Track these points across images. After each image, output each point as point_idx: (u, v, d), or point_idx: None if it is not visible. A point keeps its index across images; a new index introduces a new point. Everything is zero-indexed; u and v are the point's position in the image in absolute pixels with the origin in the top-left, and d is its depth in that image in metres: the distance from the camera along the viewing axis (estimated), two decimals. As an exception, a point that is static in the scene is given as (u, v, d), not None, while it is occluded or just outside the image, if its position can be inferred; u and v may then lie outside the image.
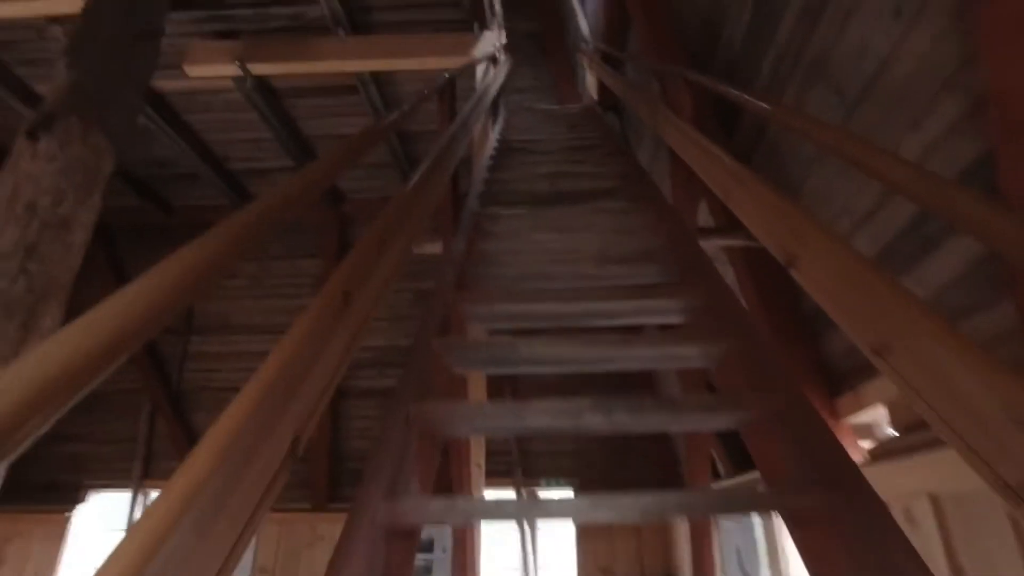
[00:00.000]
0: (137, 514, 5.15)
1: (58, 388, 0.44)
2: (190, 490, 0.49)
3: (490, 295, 1.61)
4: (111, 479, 5.28)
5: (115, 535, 5.15)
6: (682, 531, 3.93)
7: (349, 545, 0.78)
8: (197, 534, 0.49)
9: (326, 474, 5.02)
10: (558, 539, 4.97)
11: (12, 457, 0.48)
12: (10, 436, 0.41)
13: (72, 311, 1.89)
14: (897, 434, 1.90)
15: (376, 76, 3.84)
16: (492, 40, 3.91)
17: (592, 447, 5.12)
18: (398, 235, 1.31)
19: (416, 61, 3.48)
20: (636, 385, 5.10)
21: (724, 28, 2.56)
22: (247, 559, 4.72)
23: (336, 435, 5.16)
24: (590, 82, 5.51)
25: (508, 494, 5.01)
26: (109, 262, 5.17)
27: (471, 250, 1.95)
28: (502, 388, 5.06)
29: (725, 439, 3.52)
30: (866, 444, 2.02)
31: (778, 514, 0.86)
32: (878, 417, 1.98)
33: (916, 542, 1.44)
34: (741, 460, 3.44)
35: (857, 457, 1.92)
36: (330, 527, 4.83)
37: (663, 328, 2.72)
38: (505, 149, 3.74)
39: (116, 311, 0.52)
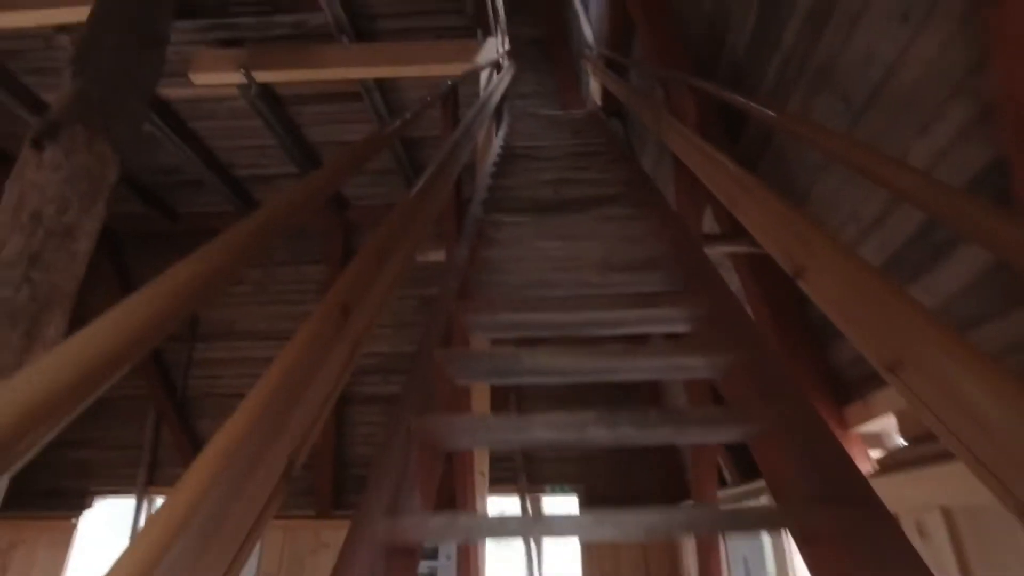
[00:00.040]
0: (142, 520, 5.15)
1: (61, 400, 0.44)
2: (183, 515, 0.48)
3: (493, 304, 1.59)
4: (116, 485, 5.28)
5: (120, 541, 5.15)
6: (689, 541, 3.89)
7: (349, 563, 0.76)
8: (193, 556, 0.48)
9: (330, 481, 5.01)
10: (564, 547, 4.94)
11: (16, 468, 0.48)
12: (12, 448, 0.41)
13: (77, 317, 1.89)
14: (907, 444, 1.87)
15: (380, 83, 3.85)
16: (495, 46, 3.91)
17: (598, 454, 5.08)
18: (401, 243, 1.30)
19: (420, 68, 3.49)
20: (643, 392, 5.07)
21: (728, 34, 2.55)
22: (251, 564, 4.71)
23: (340, 441, 5.15)
24: (594, 88, 5.51)
25: (512, 501, 4.98)
26: (115, 268, 5.19)
27: (474, 258, 1.94)
28: (507, 396, 5.04)
29: (732, 447, 3.49)
30: (875, 454, 1.99)
31: (788, 532, 0.84)
32: (888, 427, 1.96)
33: (928, 555, 1.41)
34: (748, 468, 3.40)
35: (866, 467, 1.89)
36: (334, 534, 4.82)
37: (669, 337, 2.70)
38: (509, 155, 3.73)
39: (122, 319, 0.52)
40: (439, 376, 1.27)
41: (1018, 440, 0.62)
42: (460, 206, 2.47)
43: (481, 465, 2.47)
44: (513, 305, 1.56)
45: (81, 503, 5.21)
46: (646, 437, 1.02)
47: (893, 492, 1.63)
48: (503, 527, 0.79)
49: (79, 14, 2.46)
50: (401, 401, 1.16)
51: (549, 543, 4.92)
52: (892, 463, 1.77)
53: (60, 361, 0.46)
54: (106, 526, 5.37)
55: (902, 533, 0.83)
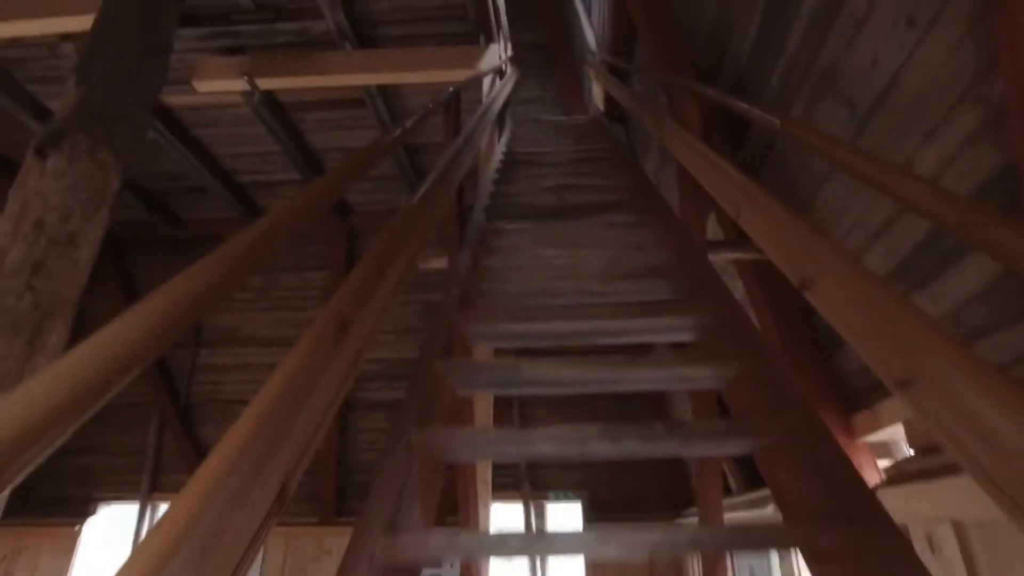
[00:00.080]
0: (146, 527, 5.14)
1: (61, 414, 0.44)
2: (176, 538, 0.47)
3: (495, 313, 1.58)
4: (120, 492, 5.28)
5: (124, 548, 5.14)
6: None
7: (347, 582, 0.75)
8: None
9: (333, 487, 4.99)
10: (569, 558, 4.90)
11: (15, 483, 0.47)
12: (11, 463, 0.41)
13: (81, 322, 1.89)
14: (915, 453, 1.84)
15: (383, 89, 3.85)
16: (498, 52, 3.91)
17: (602, 461, 5.05)
18: (402, 251, 1.29)
19: (422, 74, 3.49)
20: (647, 399, 5.04)
21: (732, 39, 2.54)
22: (253, 572, 4.69)
23: (343, 447, 5.14)
24: (596, 93, 5.50)
25: (516, 508, 4.95)
26: (118, 274, 5.21)
27: (476, 266, 1.93)
28: (510, 405, 5.02)
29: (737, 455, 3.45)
30: (883, 463, 1.96)
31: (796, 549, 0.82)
32: (896, 436, 1.93)
33: (939, 570, 1.38)
34: (753, 476, 3.37)
35: (875, 478, 1.86)
36: (337, 540, 4.80)
37: (674, 346, 2.68)
38: (511, 161, 3.73)
39: (125, 331, 0.52)
40: (440, 386, 1.25)
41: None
42: (462, 213, 2.46)
43: (484, 474, 2.45)
44: (515, 314, 1.55)
45: (84, 510, 5.20)
46: (650, 450, 1.01)
47: (902, 504, 1.60)
48: (505, 545, 0.77)
49: (84, 23, 2.47)
50: (402, 412, 1.14)
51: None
52: (901, 474, 1.75)
53: (60, 375, 0.46)
54: (109, 533, 5.37)
55: (912, 550, 0.81)
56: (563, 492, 5.04)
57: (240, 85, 3.40)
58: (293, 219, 0.90)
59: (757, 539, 0.94)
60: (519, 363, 1.21)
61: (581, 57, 6.17)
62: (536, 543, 0.84)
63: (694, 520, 4.06)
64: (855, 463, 1.04)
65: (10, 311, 1.93)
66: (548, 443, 0.98)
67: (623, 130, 4.90)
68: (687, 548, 0.78)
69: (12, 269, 1.97)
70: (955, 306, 1.51)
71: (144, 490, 5.17)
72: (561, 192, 2.92)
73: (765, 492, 2.98)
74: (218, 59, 3.47)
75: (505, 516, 4.94)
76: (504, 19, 4.39)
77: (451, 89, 2.60)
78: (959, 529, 1.41)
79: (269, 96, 3.73)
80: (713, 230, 2.54)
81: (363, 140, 4.21)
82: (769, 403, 1.12)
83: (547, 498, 5.04)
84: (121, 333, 0.51)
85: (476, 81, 3.43)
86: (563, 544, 0.78)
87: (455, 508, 2.31)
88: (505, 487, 4.81)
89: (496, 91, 3.74)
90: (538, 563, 4.76)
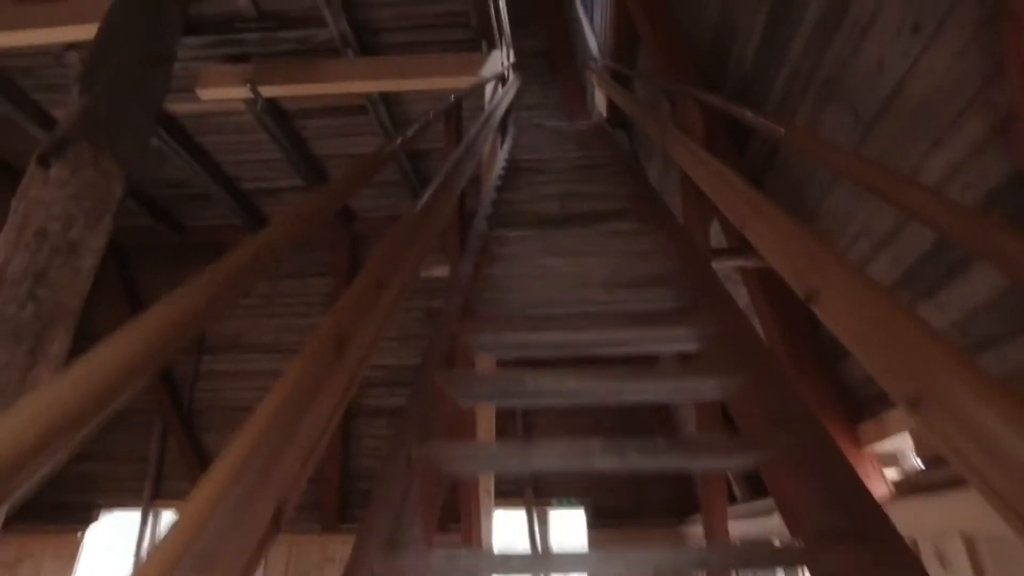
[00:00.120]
0: (148, 534, 5.13)
1: (62, 428, 0.44)
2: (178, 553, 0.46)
3: (497, 323, 1.57)
4: (122, 498, 5.27)
5: (126, 555, 5.13)
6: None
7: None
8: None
9: (336, 494, 4.98)
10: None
11: (15, 496, 0.47)
12: (12, 478, 0.41)
13: (84, 329, 1.88)
14: (923, 464, 1.82)
15: (385, 96, 3.86)
16: (500, 59, 3.92)
17: (604, 470, 5.01)
18: (404, 259, 1.28)
19: (425, 81, 3.50)
20: (651, 410, 5.01)
21: (735, 45, 2.53)
22: (256, 581, 4.66)
23: (346, 454, 5.12)
24: (599, 99, 5.50)
25: (519, 515, 4.92)
26: (122, 281, 5.23)
27: (478, 274, 1.92)
28: (513, 414, 4.99)
29: (742, 462, 3.42)
30: (891, 474, 1.94)
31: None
32: (903, 445, 1.90)
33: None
34: (758, 484, 3.34)
35: (882, 490, 1.83)
36: (340, 548, 4.77)
37: (680, 357, 2.66)
38: (514, 168, 3.72)
39: (128, 342, 0.52)
40: (441, 397, 1.24)
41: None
42: (464, 220, 2.45)
43: (486, 483, 2.43)
44: (517, 325, 1.54)
45: (87, 516, 5.20)
46: (654, 464, 0.99)
47: (911, 517, 1.58)
48: (507, 565, 0.76)
49: (89, 32, 2.48)
50: (402, 425, 1.13)
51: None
52: (910, 487, 1.72)
53: (62, 389, 0.46)
54: (112, 540, 5.36)
55: (922, 567, 0.79)
56: (566, 499, 5.01)
57: (243, 93, 3.41)
58: (298, 227, 0.90)
59: (765, 558, 0.93)
60: (522, 374, 1.19)
61: (583, 63, 6.17)
62: (539, 563, 0.82)
63: (698, 528, 4.02)
64: (862, 473, 1.02)
65: (12, 320, 1.93)
66: (552, 458, 0.96)
67: (626, 136, 4.89)
68: (693, 567, 0.77)
69: (14, 278, 1.97)
70: (962, 316, 1.49)
71: (146, 497, 5.17)
72: (564, 199, 2.91)
73: (770, 501, 2.95)
74: (221, 67, 3.48)
75: (508, 524, 4.91)
76: (506, 26, 4.39)
77: (452, 97, 2.60)
78: (970, 544, 1.38)
79: (272, 104, 3.75)
80: (716, 237, 2.52)
81: (365, 147, 4.22)
82: (774, 414, 1.10)
83: (550, 505, 5.01)
84: (122, 347, 0.51)
85: (478, 88, 3.43)
86: (566, 563, 0.77)
87: (457, 516, 2.29)
88: (508, 495, 4.78)
89: (498, 98, 3.74)
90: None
